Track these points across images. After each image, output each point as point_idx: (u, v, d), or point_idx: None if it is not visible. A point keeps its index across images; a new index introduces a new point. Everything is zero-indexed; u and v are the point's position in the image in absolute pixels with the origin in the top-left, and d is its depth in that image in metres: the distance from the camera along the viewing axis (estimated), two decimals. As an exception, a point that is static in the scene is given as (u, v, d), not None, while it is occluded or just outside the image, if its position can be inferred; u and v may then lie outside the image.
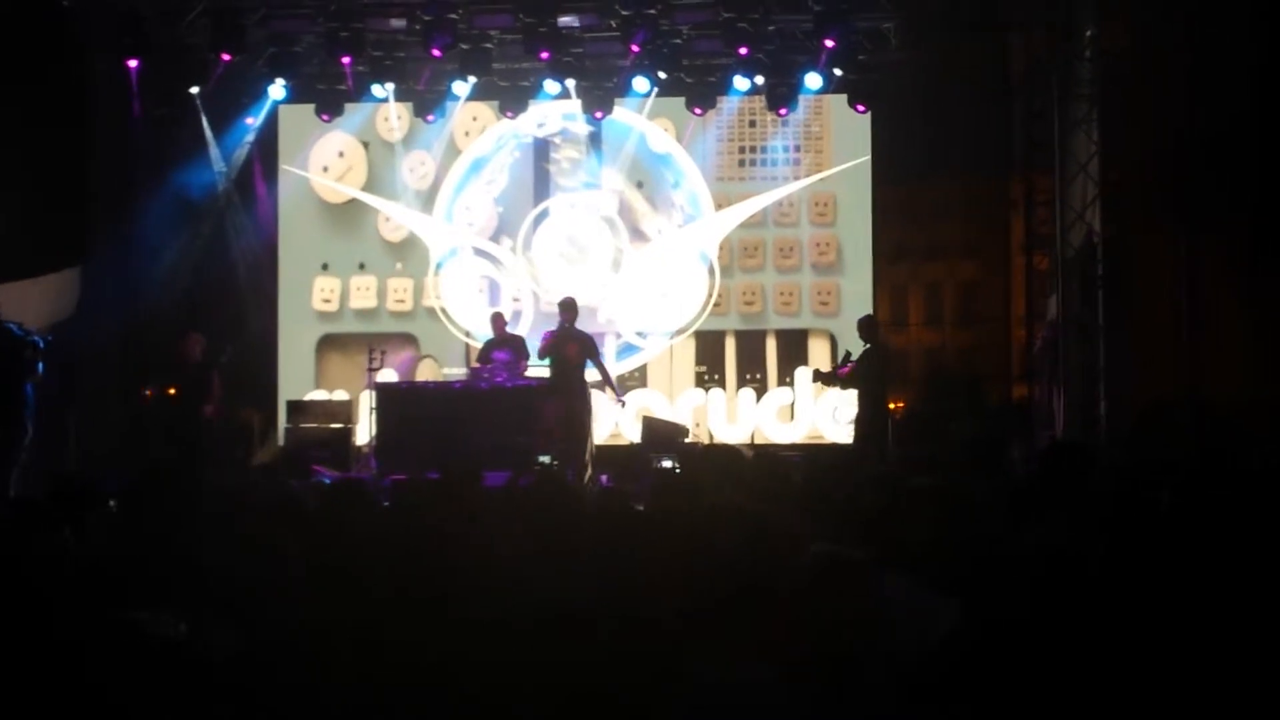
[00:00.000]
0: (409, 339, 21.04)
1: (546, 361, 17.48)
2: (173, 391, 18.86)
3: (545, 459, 16.67)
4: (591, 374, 17.60)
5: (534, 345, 18.45)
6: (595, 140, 21.02)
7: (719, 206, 20.85)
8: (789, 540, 4.82)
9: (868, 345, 17.20)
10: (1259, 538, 5.84)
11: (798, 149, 20.88)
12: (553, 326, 17.85)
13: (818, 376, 17.88)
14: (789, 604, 4.34)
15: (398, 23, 19.69)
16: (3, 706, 4.52)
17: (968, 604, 4.94)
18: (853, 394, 17.38)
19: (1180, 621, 4.82)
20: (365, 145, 21.27)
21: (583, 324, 18.21)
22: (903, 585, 5.00)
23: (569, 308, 17.57)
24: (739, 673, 4.00)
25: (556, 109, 20.92)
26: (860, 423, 17.18)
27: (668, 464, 16.61)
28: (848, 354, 17.31)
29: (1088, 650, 4.55)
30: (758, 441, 19.86)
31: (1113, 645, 4.65)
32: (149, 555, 6.27)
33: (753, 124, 20.95)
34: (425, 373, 20.76)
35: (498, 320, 18.55)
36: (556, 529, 6.73)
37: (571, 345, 17.31)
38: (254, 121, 20.77)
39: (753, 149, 21.02)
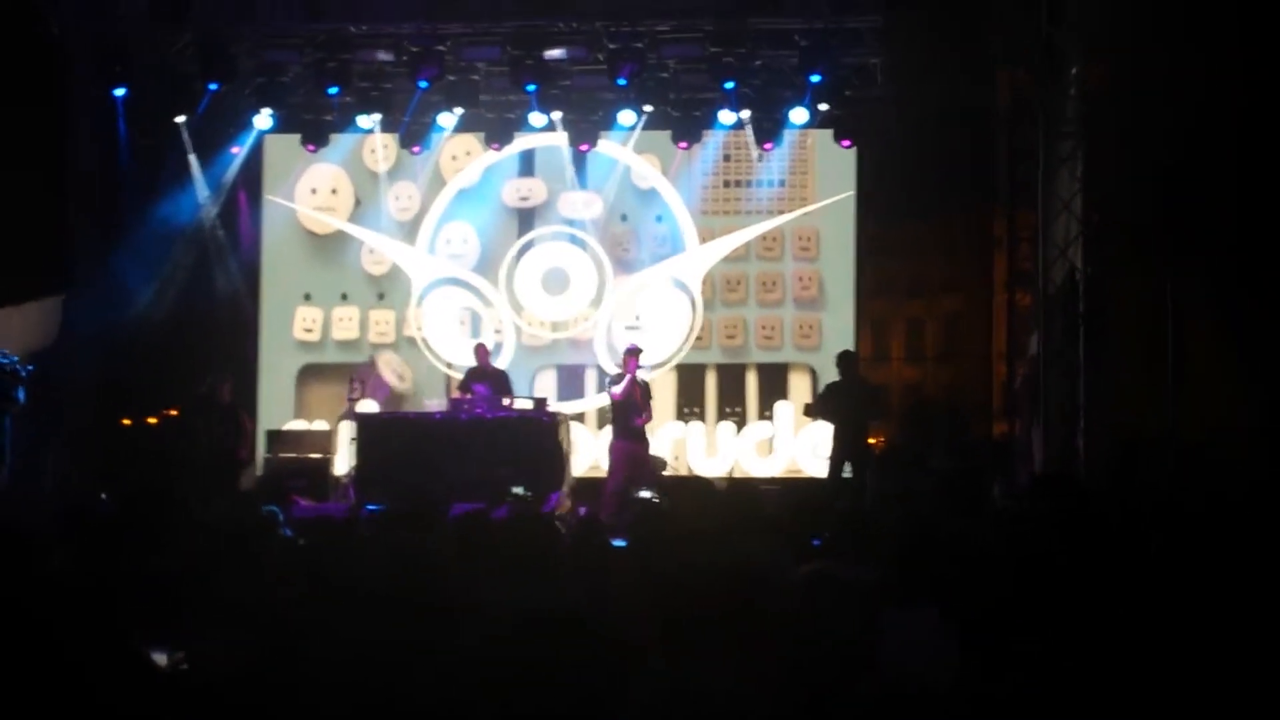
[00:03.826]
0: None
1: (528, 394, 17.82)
2: (154, 421, 18.94)
3: (519, 490, 16.65)
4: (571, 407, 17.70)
5: (516, 378, 18.72)
6: (580, 173, 21.03)
7: (703, 240, 20.87)
8: (769, 565, 4.83)
9: (840, 379, 17.41)
10: (1244, 576, 5.85)
11: (782, 183, 20.91)
12: (617, 370, 18.13)
13: (806, 410, 18.06)
14: (776, 620, 4.35)
15: (385, 54, 19.72)
16: None
17: (965, 650, 4.94)
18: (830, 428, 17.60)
19: (1170, 655, 4.82)
20: (351, 176, 21.25)
21: (566, 356, 18.64)
22: (899, 618, 5.00)
23: (636, 354, 17.74)
24: (713, 686, 4.00)
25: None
26: (832, 456, 17.34)
27: (647, 494, 16.60)
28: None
29: (1081, 682, 4.55)
30: (737, 475, 19.87)
31: (1105, 678, 4.65)
32: (144, 580, 6.25)
33: (738, 158, 20.96)
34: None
35: (480, 351, 18.64)
36: (532, 557, 6.72)
37: (637, 389, 17.59)
38: (239, 151, 20.78)
39: (737, 183, 21.05)
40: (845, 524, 6.77)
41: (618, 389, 17.56)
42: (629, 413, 17.55)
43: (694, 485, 9.85)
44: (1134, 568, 6.18)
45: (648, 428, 17.86)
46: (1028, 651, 4.82)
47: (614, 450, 17.60)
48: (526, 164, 21.25)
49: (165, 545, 7.36)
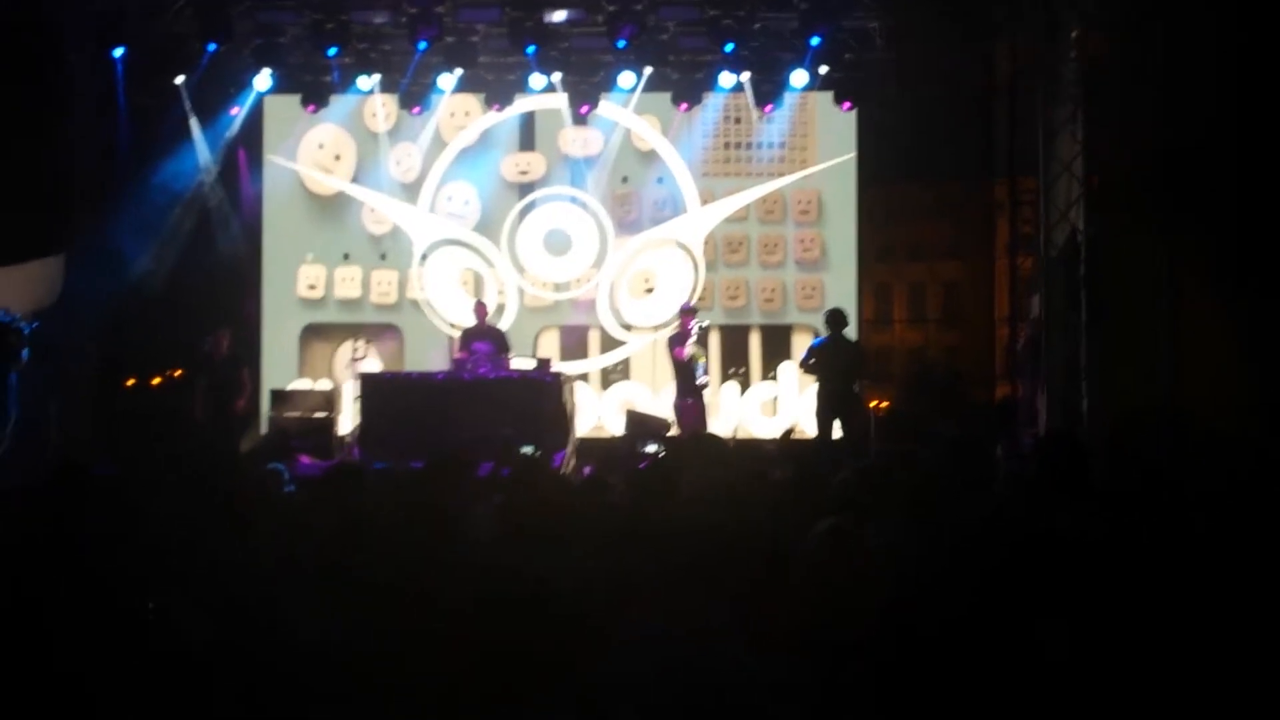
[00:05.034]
0: (393, 330, 21.04)
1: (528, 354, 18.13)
2: (157, 382, 18.96)
3: (528, 449, 16.70)
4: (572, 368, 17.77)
5: (519, 339, 18.88)
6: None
7: (704, 202, 20.88)
8: (780, 525, 4.89)
9: (827, 337, 17.45)
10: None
11: (783, 145, 20.92)
12: (675, 332, 18.53)
13: (801, 364, 18.15)
14: (792, 579, 4.41)
15: (383, 15, 19.69)
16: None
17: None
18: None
19: (1177, 620, 4.85)
20: (352, 136, 21.22)
21: (569, 317, 18.92)
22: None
23: (693, 313, 18.31)
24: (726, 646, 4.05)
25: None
26: (818, 413, 17.36)
27: (653, 448, 16.62)
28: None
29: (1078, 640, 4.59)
30: (740, 436, 19.92)
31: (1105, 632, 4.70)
32: (140, 540, 6.29)
33: (738, 120, 20.97)
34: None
35: (479, 309, 18.74)
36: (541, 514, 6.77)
37: (698, 350, 18.13)
38: (239, 112, 20.73)
39: (738, 145, 21.05)
40: (856, 488, 6.80)
41: (682, 348, 17.80)
42: (693, 371, 17.81)
43: (705, 442, 9.91)
44: (1137, 545, 6.20)
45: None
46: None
47: (687, 410, 17.89)
48: (527, 137, 21.21)
49: (156, 505, 7.40)
